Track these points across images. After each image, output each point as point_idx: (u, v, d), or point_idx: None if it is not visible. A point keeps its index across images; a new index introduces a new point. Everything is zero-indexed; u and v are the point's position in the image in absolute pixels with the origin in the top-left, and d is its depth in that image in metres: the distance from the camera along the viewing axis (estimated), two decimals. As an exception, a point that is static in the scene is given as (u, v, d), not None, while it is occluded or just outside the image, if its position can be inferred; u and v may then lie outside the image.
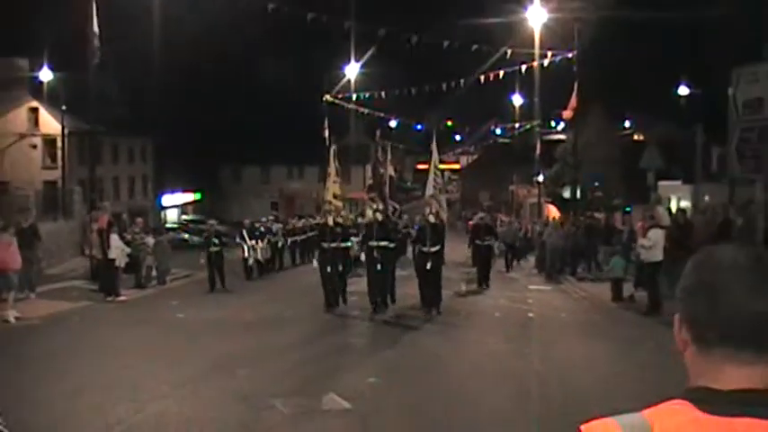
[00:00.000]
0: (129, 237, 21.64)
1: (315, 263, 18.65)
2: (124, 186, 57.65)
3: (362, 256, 19.71)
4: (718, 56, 32.41)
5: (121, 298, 19.87)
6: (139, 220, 24.39)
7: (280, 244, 29.58)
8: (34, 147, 50.53)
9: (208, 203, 68.36)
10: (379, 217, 17.94)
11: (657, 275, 16.96)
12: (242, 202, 63.84)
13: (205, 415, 9.00)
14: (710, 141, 32.42)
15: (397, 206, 22.12)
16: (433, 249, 17.09)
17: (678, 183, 34.64)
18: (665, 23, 45.05)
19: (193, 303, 19.48)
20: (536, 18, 35.19)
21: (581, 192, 37.47)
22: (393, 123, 59.84)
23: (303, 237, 31.25)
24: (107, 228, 20.92)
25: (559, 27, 34.59)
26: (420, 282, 17.57)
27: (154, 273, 23.22)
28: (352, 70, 48.32)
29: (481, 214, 25.68)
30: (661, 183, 26.81)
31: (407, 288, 18.72)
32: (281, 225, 31.31)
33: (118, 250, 20.20)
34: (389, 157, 23.19)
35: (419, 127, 68.89)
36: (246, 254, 25.77)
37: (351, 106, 46.30)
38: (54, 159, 48.08)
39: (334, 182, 20.29)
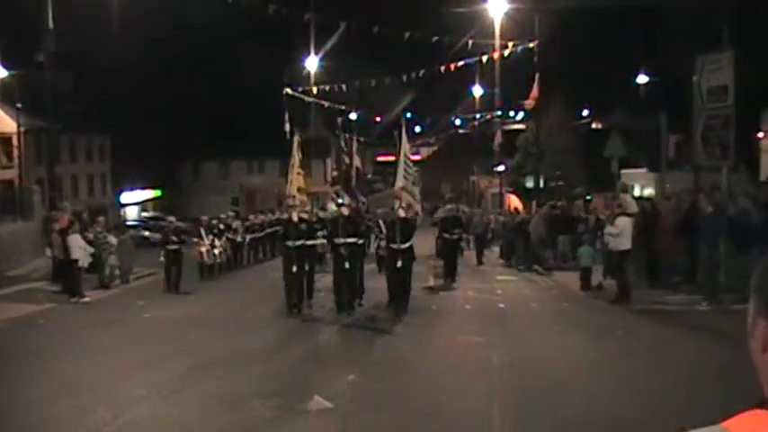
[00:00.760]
0: (91, 236, 21.28)
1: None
2: (83, 185, 56.85)
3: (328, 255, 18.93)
4: (675, 44, 32.75)
5: (86, 299, 19.52)
6: (101, 218, 23.98)
7: (239, 240, 28.58)
8: (-12, 146, 49.54)
9: (167, 200, 67.69)
10: (345, 212, 16.97)
11: (625, 263, 17.08)
12: (201, 199, 63.20)
13: (186, 418, 8.85)
14: (668, 129, 32.75)
15: (364, 200, 20.52)
16: (404, 246, 16.06)
17: (642, 170, 34.98)
18: (623, 12, 45.48)
19: (158, 303, 19.21)
20: (496, 8, 35.19)
21: (543, 181, 37.66)
22: (353, 116, 59.65)
23: (262, 233, 30.37)
24: (68, 227, 20.56)
25: (519, 17, 34.72)
26: (389, 280, 16.47)
27: (117, 272, 22.88)
28: (312, 63, 48.02)
29: (449, 206, 24.26)
30: (624, 171, 26.99)
31: (373, 282, 18.41)
32: (240, 221, 30.21)
33: (80, 250, 19.86)
34: (355, 147, 21.54)
35: (379, 119, 68.75)
36: (205, 252, 24.80)
37: (311, 99, 46.02)
38: (10, 158, 47.20)
39: (298, 173, 18.35)
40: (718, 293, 15.63)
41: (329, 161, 67.06)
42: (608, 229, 17.23)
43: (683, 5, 33.78)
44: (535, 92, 33.58)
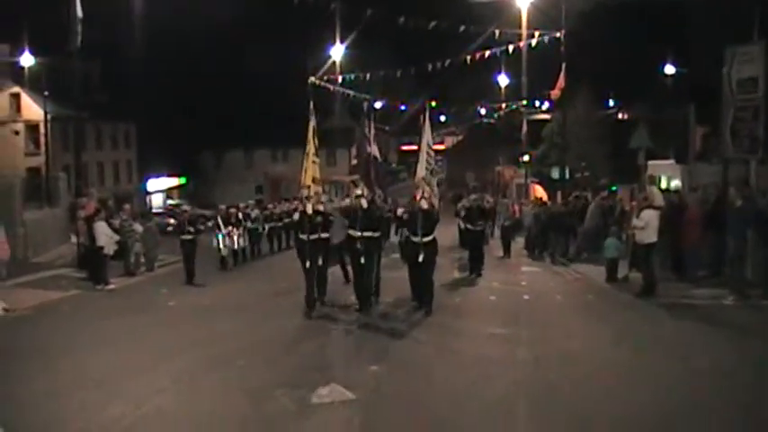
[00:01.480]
0: (117, 223, 21.40)
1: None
2: (109, 172, 57.36)
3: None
4: (703, 35, 32.34)
5: (111, 286, 19.67)
6: (127, 206, 24.07)
7: (259, 230, 28.19)
8: (17, 133, 50.11)
9: (192, 188, 68.10)
10: (364, 203, 15.52)
11: (651, 257, 16.92)
12: (225, 187, 63.54)
13: (207, 409, 8.85)
14: (696, 120, 32.44)
15: (381, 192, 18.98)
16: (426, 240, 15.01)
17: (668, 162, 34.64)
18: (651, 2, 45.01)
19: (183, 291, 19.30)
20: (523, -2, 35.01)
21: (569, 172, 37.43)
22: (378, 105, 59.58)
23: (280, 223, 29.81)
24: (94, 215, 20.71)
25: (546, 7, 34.49)
26: (411, 275, 15.65)
27: (142, 260, 23.02)
28: (338, 52, 47.99)
29: (474, 196, 23.30)
30: (651, 162, 26.72)
31: (396, 273, 17.76)
32: (259, 210, 29.47)
33: (106, 237, 20.00)
34: (372, 134, 19.74)
35: (404, 108, 68.60)
36: (221, 243, 24.49)
37: (336, 88, 46.00)
38: (37, 145, 47.69)
39: (314, 162, 16.96)
40: (745, 288, 15.47)
41: (353, 149, 67.04)
42: (634, 221, 17.07)
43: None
44: (561, 82, 33.43)
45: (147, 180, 62.37)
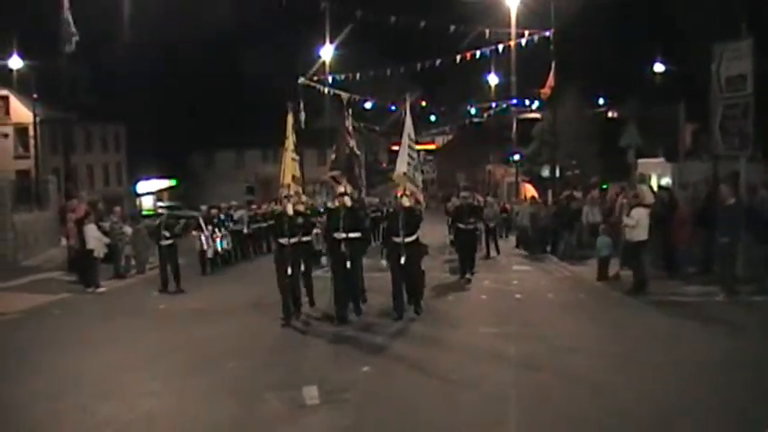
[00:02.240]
0: (107, 226, 21.31)
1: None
2: (99, 174, 57.20)
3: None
4: (692, 33, 32.40)
5: (101, 289, 19.58)
6: (117, 209, 23.88)
7: (243, 231, 27.04)
8: (5, 136, 49.93)
9: (183, 190, 67.93)
10: (348, 202, 14.53)
11: (642, 255, 16.96)
12: (216, 188, 63.36)
13: (198, 412, 8.83)
14: (685, 118, 32.49)
15: (362, 189, 17.94)
16: (408, 240, 14.35)
17: (658, 160, 34.69)
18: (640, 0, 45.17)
19: (173, 294, 19.18)
20: (512, -3, 35.06)
21: (559, 170, 37.44)
22: (368, 105, 59.46)
23: (265, 224, 28.02)
24: (84, 217, 20.61)
25: (535, 5, 34.53)
26: (393, 278, 14.55)
27: (132, 262, 22.92)
28: (327, 52, 47.90)
29: (464, 194, 22.48)
30: (641, 160, 26.76)
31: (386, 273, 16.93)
32: (244, 211, 28.56)
33: (96, 240, 19.91)
34: (351, 127, 18.41)
35: (393, 108, 68.52)
36: (204, 245, 23.43)
37: (325, 88, 45.91)
38: (26, 148, 47.54)
39: (293, 159, 16.22)
40: (736, 285, 15.51)
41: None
42: (624, 219, 17.12)
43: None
44: (551, 81, 33.43)
45: (137, 182, 62.19)
